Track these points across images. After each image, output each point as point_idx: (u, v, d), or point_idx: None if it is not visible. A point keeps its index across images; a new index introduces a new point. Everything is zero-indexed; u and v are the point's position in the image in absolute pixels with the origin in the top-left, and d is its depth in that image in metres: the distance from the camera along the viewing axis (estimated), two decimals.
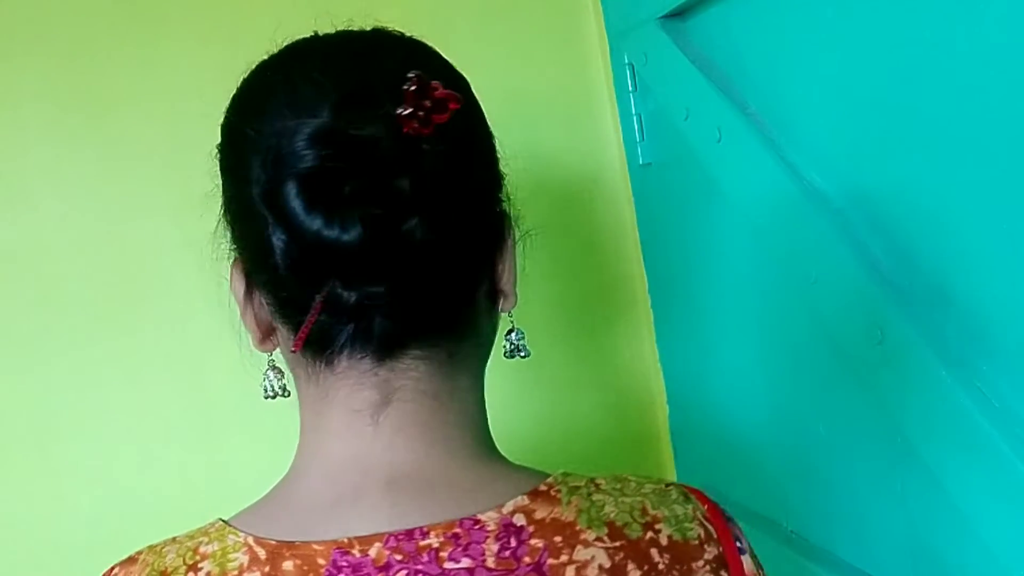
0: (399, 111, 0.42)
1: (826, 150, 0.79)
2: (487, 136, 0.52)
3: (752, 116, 0.88)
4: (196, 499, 1.02)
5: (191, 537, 0.49)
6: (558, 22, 1.16)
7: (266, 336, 0.51)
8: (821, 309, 0.80)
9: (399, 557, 0.45)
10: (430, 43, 0.53)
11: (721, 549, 0.49)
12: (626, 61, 1.09)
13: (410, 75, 0.42)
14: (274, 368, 0.53)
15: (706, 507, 0.51)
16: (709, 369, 1.08)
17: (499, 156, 0.53)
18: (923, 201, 0.69)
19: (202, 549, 0.47)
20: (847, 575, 0.84)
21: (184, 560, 0.47)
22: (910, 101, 0.68)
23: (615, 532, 0.47)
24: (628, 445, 1.20)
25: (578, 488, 0.49)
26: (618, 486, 0.50)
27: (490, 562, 0.45)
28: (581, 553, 0.46)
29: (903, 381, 0.71)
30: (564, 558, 0.45)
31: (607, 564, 0.46)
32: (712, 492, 1.09)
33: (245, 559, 0.46)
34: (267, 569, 0.45)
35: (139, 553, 0.49)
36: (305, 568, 0.44)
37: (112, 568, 0.49)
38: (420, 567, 0.44)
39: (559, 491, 0.48)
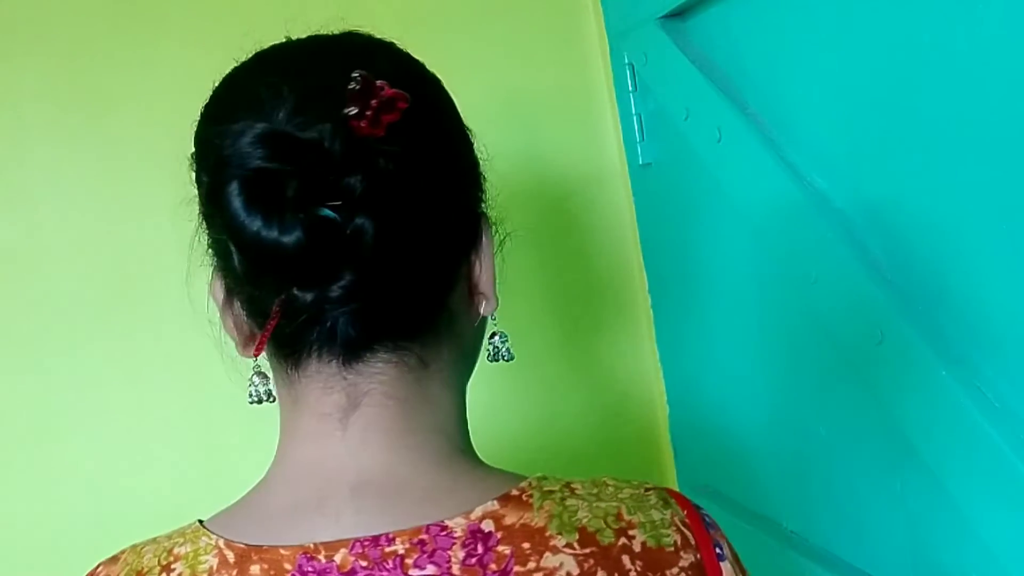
0: (346, 112, 0.42)
1: (826, 150, 0.79)
2: (455, 136, 0.51)
3: (752, 116, 0.87)
4: (195, 499, 1.02)
5: (169, 538, 0.49)
6: (558, 22, 1.16)
7: (247, 341, 0.50)
8: (821, 309, 0.80)
9: (364, 563, 0.44)
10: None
11: (699, 556, 0.48)
12: (626, 61, 1.09)
13: (354, 75, 0.42)
14: (259, 373, 0.52)
15: (686, 512, 0.50)
16: (709, 369, 1.07)
17: (479, 157, 0.52)
18: (923, 201, 0.69)
19: (176, 550, 0.47)
20: (847, 575, 0.84)
21: (159, 561, 0.47)
22: (910, 101, 0.68)
23: (586, 538, 0.46)
24: (628, 445, 1.20)
25: (552, 493, 0.48)
26: (595, 491, 0.49)
27: (456, 569, 0.44)
28: (549, 560, 0.45)
29: (903, 381, 0.71)
30: (531, 565, 0.45)
31: (576, 571, 0.45)
32: (712, 492, 1.10)
33: (215, 562, 0.46)
34: (235, 573, 0.45)
35: (122, 552, 0.50)
36: (272, 572, 0.44)
37: (97, 566, 0.50)
38: (385, 573, 0.44)
39: (531, 496, 0.47)
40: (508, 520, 0.46)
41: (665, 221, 1.11)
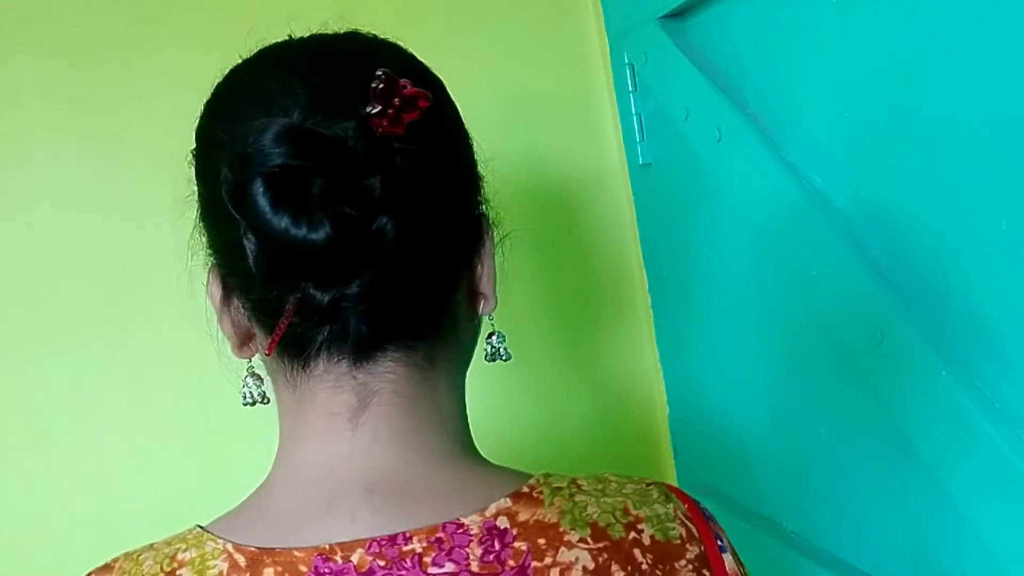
0: (368, 110, 0.42)
1: (826, 150, 0.79)
2: (462, 137, 0.51)
3: (752, 116, 0.88)
4: (194, 500, 1.02)
5: (168, 544, 0.48)
6: (558, 22, 1.16)
7: (244, 342, 0.50)
8: (821, 309, 0.80)
9: (382, 563, 0.44)
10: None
11: (703, 548, 0.49)
12: (626, 61, 1.09)
13: (379, 73, 0.42)
14: (253, 375, 0.52)
15: (687, 506, 0.51)
16: (709, 369, 1.08)
17: (478, 158, 0.52)
18: (923, 201, 0.69)
19: (180, 556, 0.46)
20: (847, 575, 0.84)
21: (162, 567, 0.46)
22: (910, 101, 0.68)
23: (598, 533, 0.47)
24: (628, 445, 1.20)
25: (560, 489, 0.49)
26: (599, 486, 0.50)
27: (474, 566, 0.44)
28: (565, 555, 0.45)
29: (903, 381, 0.71)
30: (548, 560, 0.45)
31: (591, 565, 0.45)
32: (712, 492, 1.10)
33: (224, 566, 0.45)
34: None
35: (115, 560, 0.48)
36: (287, 575, 0.44)
37: (88, 575, 0.48)
38: (403, 572, 0.44)
39: (541, 492, 0.48)
40: (522, 517, 0.46)
41: (665, 221, 1.11)
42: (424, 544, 0.45)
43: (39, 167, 1.01)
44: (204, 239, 0.49)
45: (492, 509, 0.46)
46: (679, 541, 0.48)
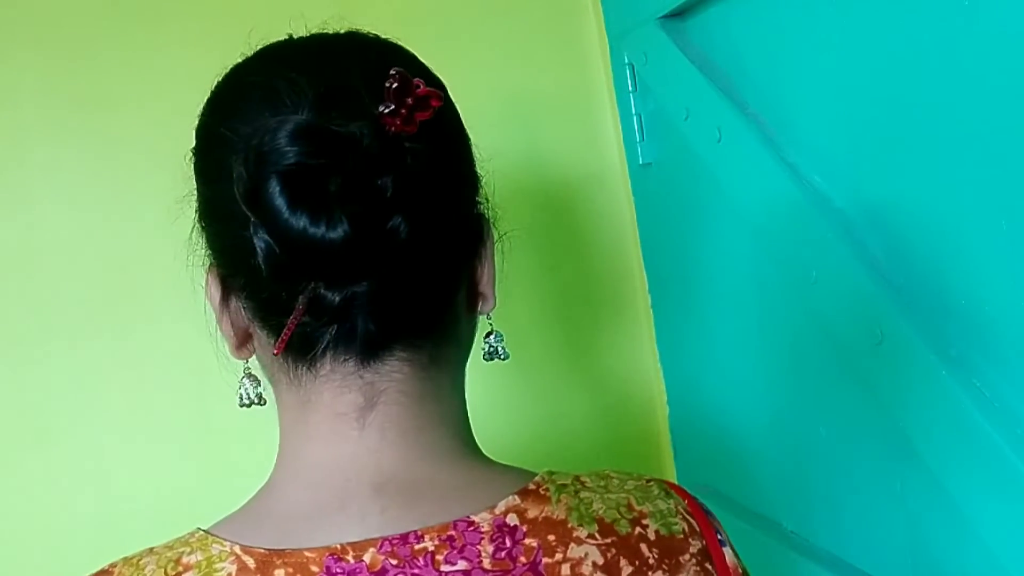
0: (381, 109, 0.42)
1: (826, 150, 0.79)
2: (464, 137, 0.51)
3: (752, 116, 0.88)
4: (194, 500, 1.02)
5: (170, 548, 0.47)
6: (558, 22, 1.16)
7: (242, 343, 0.50)
8: (821, 309, 0.80)
9: (394, 562, 0.44)
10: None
11: (704, 542, 0.49)
12: (626, 61, 1.09)
13: (393, 72, 0.42)
14: (250, 376, 0.52)
15: (686, 501, 0.51)
16: (709, 369, 1.08)
17: (476, 157, 0.52)
18: (923, 201, 0.69)
19: (185, 560, 0.46)
20: (847, 575, 0.84)
21: (166, 572, 0.46)
22: (910, 101, 0.68)
23: (605, 528, 0.47)
24: (628, 445, 1.20)
25: (565, 486, 0.49)
26: (602, 483, 0.50)
27: (486, 563, 0.45)
28: (575, 551, 0.46)
29: (903, 381, 0.71)
30: (559, 556, 0.46)
31: (600, 561, 0.46)
32: (712, 492, 1.10)
33: (233, 568, 0.45)
34: None
35: (112, 566, 0.48)
36: (298, 575, 0.44)
37: None
38: (417, 571, 0.44)
39: (548, 489, 0.48)
40: (531, 514, 0.47)
41: (665, 221, 1.11)
42: (436, 542, 0.45)
43: (39, 167, 1.01)
44: (203, 238, 0.49)
45: (502, 507, 0.47)
46: (682, 536, 0.49)
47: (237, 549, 0.46)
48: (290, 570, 0.44)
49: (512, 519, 0.46)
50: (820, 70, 0.78)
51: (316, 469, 0.47)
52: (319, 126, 0.41)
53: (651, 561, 0.47)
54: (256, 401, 0.53)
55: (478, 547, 0.45)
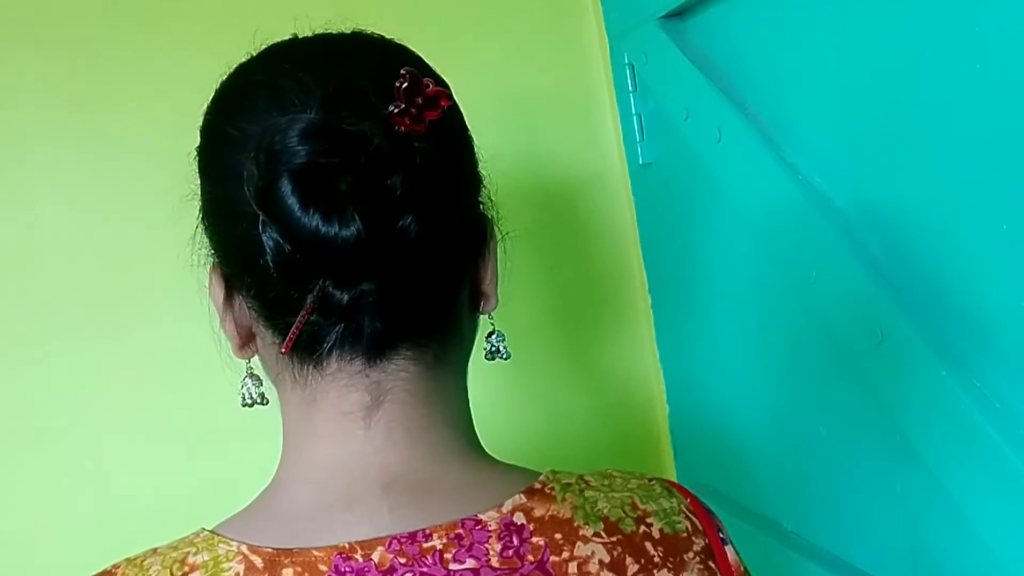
0: (391, 108, 0.42)
1: (826, 150, 0.79)
2: (468, 138, 0.51)
3: (752, 116, 0.88)
4: (195, 500, 1.02)
5: (175, 548, 0.47)
6: (558, 22, 1.16)
7: (246, 343, 0.50)
8: (821, 309, 0.80)
9: (403, 560, 0.44)
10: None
11: (707, 540, 0.50)
12: (626, 61, 1.09)
13: (403, 71, 0.42)
14: (252, 376, 0.52)
15: (688, 500, 0.52)
16: (709, 369, 1.08)
17: (479, 158, 0.52)
18: (923, 201, 0.69)
19: (191, 560, 0.46)
20: (847, 575, 0.84)
21: (171, 572, 0.45)
22: (910, 101, 0.68)
23: (611, 527, 0.47)
24: (628, 445, 1.20)
25: (570, 485, 0.49)
26: (606, 482, 0.51)
27: (494, 561, 0.45)
28: (581, 549, 0.46)
29: (903, 381, 0.71)
30: (566, 555, 0.46)
31: (607, 559, 0.46)
32: (712, 492, 1.10)
33: (241, 568, 0.45)
34: None
35: (116, 567, 0.47)
36: (306, 575, 0.44)
37: None
38: (425, 569, 0.44)
39: (553, 488, 0.49)
40: (537, 512, 0.47)
41: (665, 221, 1.11)
42: (444, 540, 0.45)
43: (39, 167, 1.01)
44: (207, 237, 0.49)
45: (508, 505, 0.47)
46: (686, 534, 0.49)
47: (244, 549, 0.45)
48: (298, 569, 0.44)
49: (519, 518, 0.46)
50: (820, 70, 0.78)
51: (322, 468, 0.47)
52: (330, 125, 0.41)
53: (656, 559, 0.47)
54: (259, 401, 0.53)
55: (486, 545, 0.45)
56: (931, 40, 0.65)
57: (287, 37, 0.50)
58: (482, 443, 0.52)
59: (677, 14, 0.97)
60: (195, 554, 0.46)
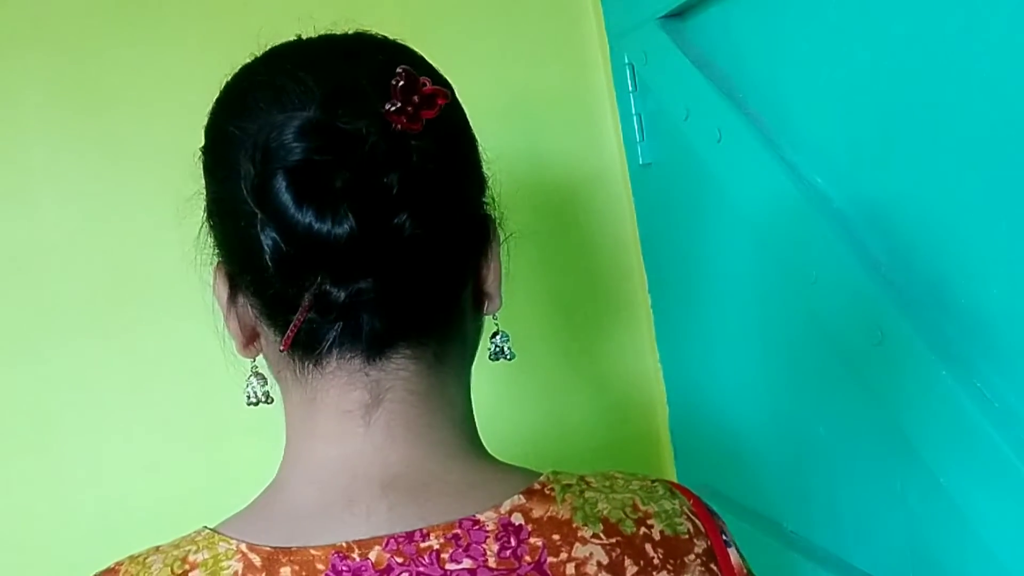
0: (387, 107, 0.42)
1: (826, 150, 0.79)
2: (470, 137, 0.51)
3: (752, 116, 0.88)
4: (196, 499, 1.02)
5: (176, 546, 0.47)
6: (558, 22, 1.16)
7: (249, 341, 0.50)
8: (821, 309, 0.80)
9: (400, 560, 0.44)
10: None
11: (709, 543, 0.49)
12: (626, 61, 1.09)
13: (399, 70, 0.42)
14: (257, 374, 0.52)
15: (691, 502, 0.52)
16: (709, 369, 1.08)
17: (482, 158, 0.52)
18: (923, 201, 0.69)
19: (191, 558, 0.46)
20: (847, 575, 0.84)
21: (172, 570, 0.46)
22: (910, 101, 0.68)
23: (610, 528, 0.47)
24: (628, 445, 1.20)
25: (570, 486, 0.49)
26: (607, 483, 0.50)
27: (491, 562, 0.45)
28: (580, 550, 0.46)
29: (903, 381, 0.71)
30: (563, 556, 0.46)
31: (605, 560, 0.46)
32: (712, 492, 1.10)
33: (239, 566, 0.45)
34: None
35: (119, 564, 0.48)
36: (304, 574, 0.44)
37: None
38: (422, 569, 0.44)
39: (553, 489, 0.48)
40: (536, 513, 0.47)
41: (665, 221, 1.11)
42: (441, 540, 0.45)
43: (39, 167, 1.01)
44: (211, 236, 0.49)
45: (507, 506, 0.47)
46: (687, 536, 0.49)
47: (243, 547, 0.46)
48: (296, 568, 0.44)
49: (517, 518, 0.46)
50: (820, 70, 0.78)
51: (322, 467, 0.48)
52: (326, 122, 0.41)
53: (656, 561, 0.47)
54: (263, 399, 0.53)
55: (483, 546, 0.45)
56: (931, 40, 0.65)
57: (291, 38, 0.51)
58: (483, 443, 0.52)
59: (677, 14, 0.97)
60: (196, 552, 0.46)
